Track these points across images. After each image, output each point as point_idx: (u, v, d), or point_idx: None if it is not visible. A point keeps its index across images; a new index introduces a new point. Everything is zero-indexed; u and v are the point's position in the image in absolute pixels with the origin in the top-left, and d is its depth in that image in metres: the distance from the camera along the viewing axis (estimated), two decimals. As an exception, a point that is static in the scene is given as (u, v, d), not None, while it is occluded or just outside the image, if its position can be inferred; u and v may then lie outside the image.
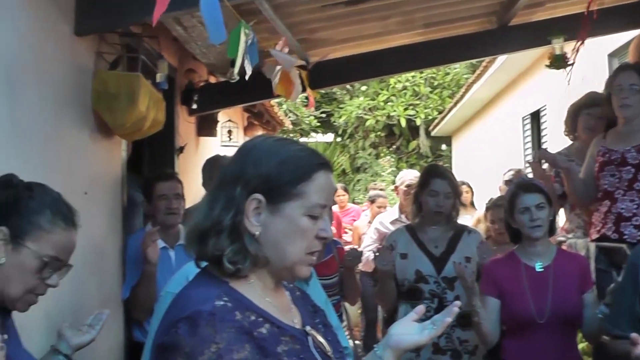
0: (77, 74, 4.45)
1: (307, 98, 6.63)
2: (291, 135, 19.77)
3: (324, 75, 7.12)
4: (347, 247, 6.25)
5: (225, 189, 2.02)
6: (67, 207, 2.58)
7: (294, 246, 2.00)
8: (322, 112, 23.33)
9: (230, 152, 7.29)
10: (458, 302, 2.19)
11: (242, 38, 4.19)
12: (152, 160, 6.87)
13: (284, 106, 18.82)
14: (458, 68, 22.68)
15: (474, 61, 13.66)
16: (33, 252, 2.43)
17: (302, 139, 20.41)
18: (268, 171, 1.99)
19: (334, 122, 24.95)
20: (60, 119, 4.17)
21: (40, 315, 3.11)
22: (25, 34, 3.69)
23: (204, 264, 2.08)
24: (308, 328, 2.10)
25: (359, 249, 6.63)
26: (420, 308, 2.22)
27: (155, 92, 5.04)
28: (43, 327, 3.56)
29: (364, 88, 24.08)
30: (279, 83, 5.51)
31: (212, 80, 7.84)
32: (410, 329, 2.17)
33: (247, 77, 4.75)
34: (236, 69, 4.45)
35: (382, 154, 25.00)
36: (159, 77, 5.36)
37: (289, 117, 19.81)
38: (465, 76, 22.33)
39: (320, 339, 2.10)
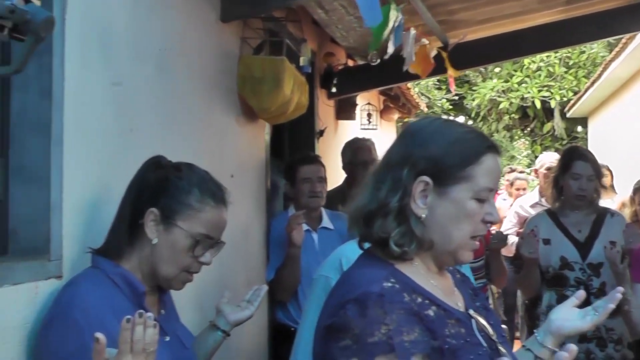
0: (223, 59, 4.53)
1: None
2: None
3: (461, 58, 7.04)
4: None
5: (391, 170, 2.00)
6: (215, 185, 2.60)
7: (459, 230, 1.98)
8: (454, 95, 23.09)
9: (369, 135, 7.34)
10: (621, 288, 2.15)
11: (392, 18, 4.21)
12: (292, 143, 6.95)
13: (416, 89, 18.71)
14: (595, 47, 22.04)
15: (611, 39, 13.20)
16: (184, 231, 2.46)
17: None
18: (436, 153, 1.97)
19: (467, 104, 24.68)
20: (207, 103, 4.27)
21: (191, 293, 3.16)
22: (174, 22, 3.77)
23: (366, 245, 2.07)
24: (471, 311, 2.08)
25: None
26: (581, 293, 2.20)
27: (299, 76, 5.07)
28: (194, 305, 3.64)
29: (497, 70, 23.69)
30: (416, 61, 5.48)
31: (350, 63, 7.86)
32: (571, 314, 2.14)
33: (386, 57, 4.73)
34: (373, 47, 4.44)
35: (516, 137, 24.59)
36: (302, 61, 5.39)
37: (422, 99, 19.68)
38: (601, 54, 21.68)
39: (484, 322, 2.08)
